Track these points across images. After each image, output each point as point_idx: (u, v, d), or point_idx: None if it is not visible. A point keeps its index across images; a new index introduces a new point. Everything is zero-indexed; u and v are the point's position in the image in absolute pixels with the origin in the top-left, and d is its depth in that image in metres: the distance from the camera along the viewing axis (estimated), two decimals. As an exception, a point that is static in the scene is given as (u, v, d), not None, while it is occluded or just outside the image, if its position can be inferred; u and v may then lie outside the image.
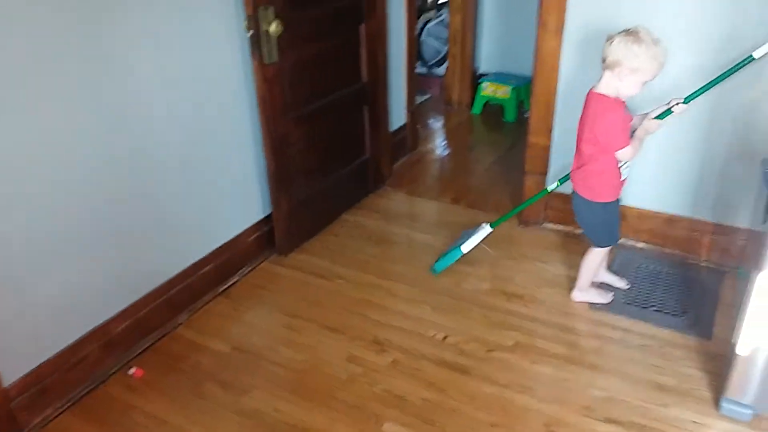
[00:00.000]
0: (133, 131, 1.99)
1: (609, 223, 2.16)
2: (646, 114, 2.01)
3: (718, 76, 2.00)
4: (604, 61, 1.91)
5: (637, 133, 1.99)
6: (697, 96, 2.00)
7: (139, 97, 1.98)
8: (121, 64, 1.90)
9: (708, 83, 2.01)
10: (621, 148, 1.94)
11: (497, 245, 2.61)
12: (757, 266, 1.61)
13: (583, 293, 2.27)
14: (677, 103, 1.95)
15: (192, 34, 2.12)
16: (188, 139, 2.20)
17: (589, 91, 2.00)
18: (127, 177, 2.00)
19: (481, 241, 2.49)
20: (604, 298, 2.27)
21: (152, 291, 2.17)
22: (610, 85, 1.92)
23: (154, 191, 2.12)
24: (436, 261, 2.50)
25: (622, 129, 1.94)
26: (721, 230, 2.41)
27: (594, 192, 2.08)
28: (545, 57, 2.48)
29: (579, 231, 2.72)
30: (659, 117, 1.98)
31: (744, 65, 1.96)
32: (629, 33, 1.85)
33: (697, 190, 2.41)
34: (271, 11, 2.20)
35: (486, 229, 2.49)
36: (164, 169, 2.13)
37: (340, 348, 2.12)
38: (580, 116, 2.04)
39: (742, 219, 2.34)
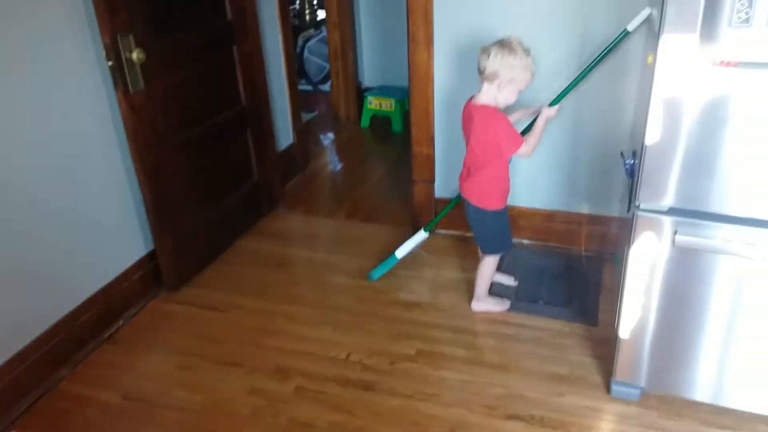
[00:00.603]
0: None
1: (501, 230, 2.23)
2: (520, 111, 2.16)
3: (594, 61, 2.14)
4: (482, 72, 1.96)
5: (537, 123, 2.07)
6: (565, 94, 2.13)
7: (-12, 139, 1.82)
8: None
9: (587, 67, 2.15)
10: (519, 146, 2.00)
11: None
12: (626, 254, 1.72)
13: (481, 303, 2.31)
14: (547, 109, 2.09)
15: (48, 67, 1.98)
16: (55, 178, 2.05)
17: (468, 103, 2.06)
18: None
19: (416, 246, 2.52)
20: (502, 305, 2.32)
21: (28, 345, 2.00)
22: (489, 95, 1.98)
23: (20, 235, 1.95)
24: (373, 269, 2.50)
25: (514, 131, 2.01)
26: (596, 221, 2.57)
27: (486, 199, 2.13)
28: (419, 68, 2.54)
29: (468, 234, 2.80)
30: (554, 102, 2.11)
31: (620, 40, 2.08)
32: (503, 45, 1.91)
33: (570, 185, 2.55)
34: (131, 39, 2.10)
35: (420, 234, 2.52)
36: (30, 210, 1.97)
37: (240, 382, 2.04)
38: (463, 129, 2.10)
39: (613, 208, 2.50)
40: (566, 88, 2.16)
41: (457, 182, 2.73)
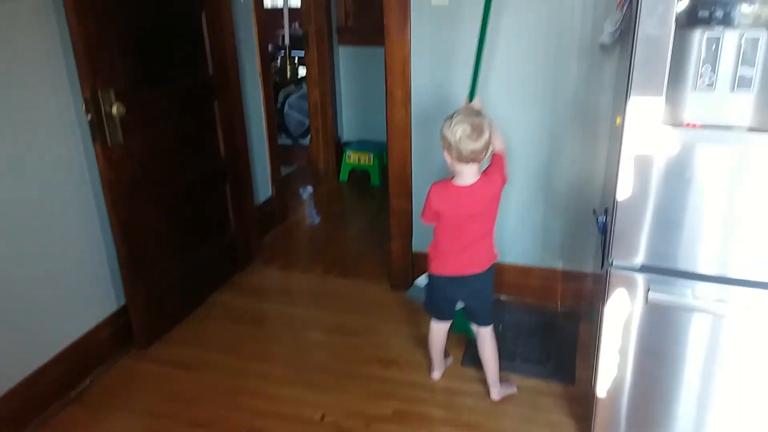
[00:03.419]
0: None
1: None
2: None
3: (481, 39, 2.13)
4: (474, 153, 1.83)
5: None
6: (475, 83, 2.15)
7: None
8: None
9: (476, 65, 2.14)
10: (505, 166, 1.96)
11: (370, 311, 2.60)
12: (601, 309, 1.73)
13: (503, 387, 2.16)
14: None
15: (23, 119, 1.97)
16: (27, 229, 2.01)
17: (452, 189, 1.92)
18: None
19: None
20: (512, 388, 2.18)
21: (-13, 407, 1.91)
22: (475, 169, 1.88)
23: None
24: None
25: (501, 168, 1.94)
26: (571, 277, 2.58)
27: (492, 254, 2.06)
28: (396, 125, 2.59)
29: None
30: (472, 95, 2.10)
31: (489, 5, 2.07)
32: (481, 118, 1.83)
33: (545, 241, 2.58)
34: (111, 93, 2.11)
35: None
36: (-4, 265, 1.92)
37: (211, 444, 1.97)
38: (452, 217, 1.96)
39: (588, 264, 2.52)
40: (474, 77, 2.14)
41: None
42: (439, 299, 2.10)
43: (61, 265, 2.17)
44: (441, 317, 2.14)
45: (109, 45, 2.11)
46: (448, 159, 1.87)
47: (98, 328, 2.33)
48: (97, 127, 2.12)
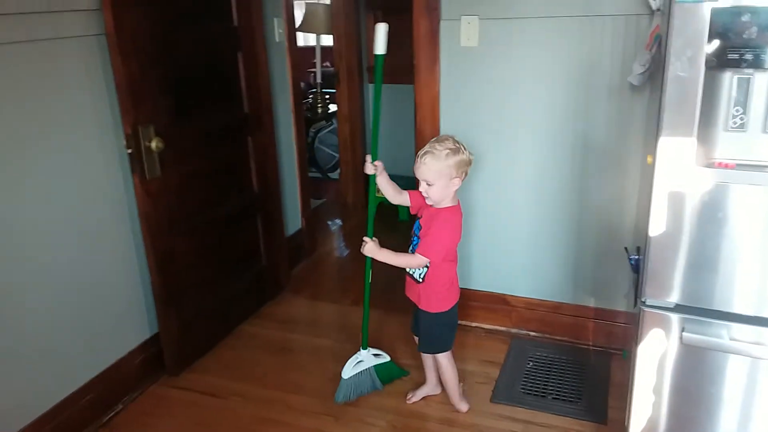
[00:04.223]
0: (-1, 251, 1.85)
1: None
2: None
3: (375, 118, 2.10)
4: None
5: (381, 182, 2.09)
6: (375, 144, 2.13)
7: (9, 216, 1.88)
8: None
9: (374, 129, 2.11)
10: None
11: (396, 343, 2.59)
12: (634, 348, 1.71)
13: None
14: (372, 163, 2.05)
15: (69, 152, 2.06)
16: (63, 257, 2.08)
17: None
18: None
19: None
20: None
21: (23, 429, 1.95)
22: None
23: (19, 313, 1.95)
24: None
25: (457, 231, 2.06)
26: (603, 314, 2.55)
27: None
28: (426, 161, 2.62)
29: (474, 324, 2.79)
30: (375, 157, 2.08)
31: (381, 64, 2.02)
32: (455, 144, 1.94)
33: (576, 278, 2.56)
34: (151, 129, 2.19)
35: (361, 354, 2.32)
36: (32, 288, 1.98)
37: (237, 475, 1.97)
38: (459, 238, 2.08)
39: (620, 303, 2.49)
40: (374, 139, 2.13)
41: (462, 271, 2.75)
42: (455, 327, 2.17)
43: (98, 292, 2.23)
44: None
45: (150, 84, 2.21)
46: (458, 184, 1.95)
47: (131, 355, 2.38)
48: (137, 161, 2.19)
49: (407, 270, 2.12)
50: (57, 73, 1.99)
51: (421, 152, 1.92)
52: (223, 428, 2.19)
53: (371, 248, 2.07)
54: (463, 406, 2.23)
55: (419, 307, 2.12)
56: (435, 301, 2.07)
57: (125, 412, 2.28)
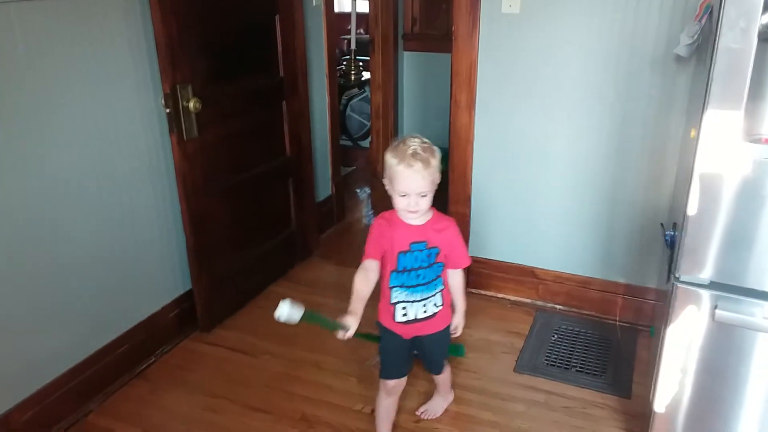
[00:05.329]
0: (40, 203, 1.91)
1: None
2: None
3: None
4: None
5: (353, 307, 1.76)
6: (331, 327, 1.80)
7: (49, 172, 1.93)
8: (33, 135, 1.86)
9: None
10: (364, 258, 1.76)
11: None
12: (663, 325, 1.70)
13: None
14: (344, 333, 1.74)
15: (108, 108, 2.10)
16: (101, 213, 2.13)
17: None
18: (30, 250, 1.90)
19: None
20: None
21: (60, 376, 2.04)
22: None
23: (62, 266, 2.02)
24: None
25: (374, 239, 1.76)
26: (632, 291, 2.54)
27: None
28: (459, 130, 2.61)
29: (500, 296, 2.80)
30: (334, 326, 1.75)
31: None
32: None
33: (608, 253, 2.54)
34: (189, 89, 2.22)
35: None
36: (74, 244, 2.05)
37: (266, 429, 2.04)
38: None
39: (650, 279, 2.48)
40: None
41: (491, 243, 2.75)
42: None
43: (135, 248, 2.29)
44: None
45: (189, 45, 2.22)
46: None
47: (165, 310, 2.45)
48: (174, 121, 2.23)
49: (416, 316, 1.77)
50: (98, 30, 2.02)
51: (403, 165, 1.59)
52: (254, 384, 2.25)
53: (462, 323, 1.85)
54: (452, 395, 2.15)
55: (436, 331, 1.83)
56: (446, 309, 1.84)
57: (158, 364, 2.37)
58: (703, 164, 1.50)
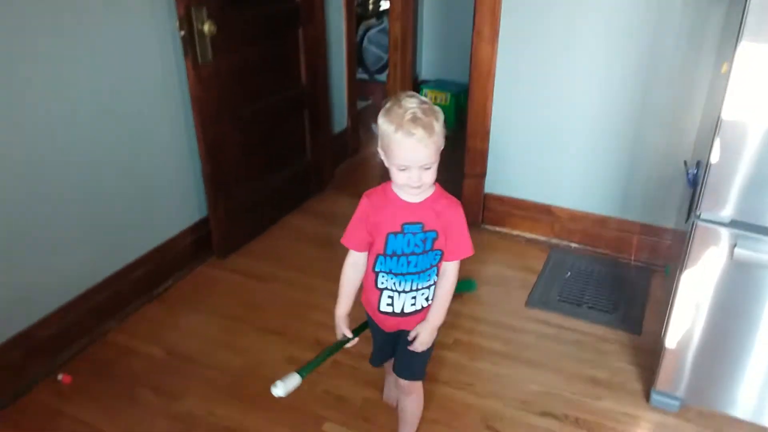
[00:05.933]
0: (57, 129, 1.91)
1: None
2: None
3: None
4: None
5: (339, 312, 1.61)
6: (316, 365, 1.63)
7: (67, 95, 1.91)
8: (48, 62, 1.83)
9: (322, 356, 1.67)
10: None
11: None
12: (681, 264, 1.69)
13: None
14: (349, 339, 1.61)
15: (123, 33, 2.06)
16: (117, 138, 2.13)
17: None
18: (51, 176, 1.92)
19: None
20: None
21: (80, 295, 2.09)
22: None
23: (83, 191, 2.03)
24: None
25: (355, 223, 1.52)
26: (648, 230, 2.52)
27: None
28: (481, 63, 2.54)
29: (515, 233, 2.80)
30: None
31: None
32: (391, 100, 1.35)
33: (626, 192, 2.51)
34: (204, 11, 2.16)
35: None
36: (93, 169, 2.05)
37: (280, 350, 2.09)
38: None
39: (668, 219, 2.45)
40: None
41: (508, 180, 2.72)
42: None
43: (152, 174, 2.30)
44: None
45: (204, -38, 2.15)
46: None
47: (181, 235, 2.48)
48: (189, 44, 2.18)
49: (403, 309, 1.50)
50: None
51: (401, 133, 1.28)
52: (269, 308, 2.30)
53: (426, 340, 1.51)
54: None
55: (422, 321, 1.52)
56: None
57: (174, 288, 2.41)
58: (734, 98, 1.45)
